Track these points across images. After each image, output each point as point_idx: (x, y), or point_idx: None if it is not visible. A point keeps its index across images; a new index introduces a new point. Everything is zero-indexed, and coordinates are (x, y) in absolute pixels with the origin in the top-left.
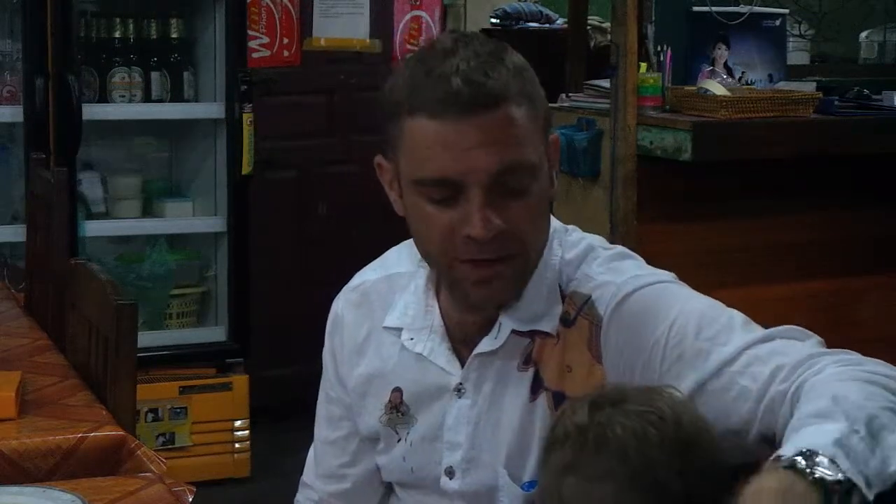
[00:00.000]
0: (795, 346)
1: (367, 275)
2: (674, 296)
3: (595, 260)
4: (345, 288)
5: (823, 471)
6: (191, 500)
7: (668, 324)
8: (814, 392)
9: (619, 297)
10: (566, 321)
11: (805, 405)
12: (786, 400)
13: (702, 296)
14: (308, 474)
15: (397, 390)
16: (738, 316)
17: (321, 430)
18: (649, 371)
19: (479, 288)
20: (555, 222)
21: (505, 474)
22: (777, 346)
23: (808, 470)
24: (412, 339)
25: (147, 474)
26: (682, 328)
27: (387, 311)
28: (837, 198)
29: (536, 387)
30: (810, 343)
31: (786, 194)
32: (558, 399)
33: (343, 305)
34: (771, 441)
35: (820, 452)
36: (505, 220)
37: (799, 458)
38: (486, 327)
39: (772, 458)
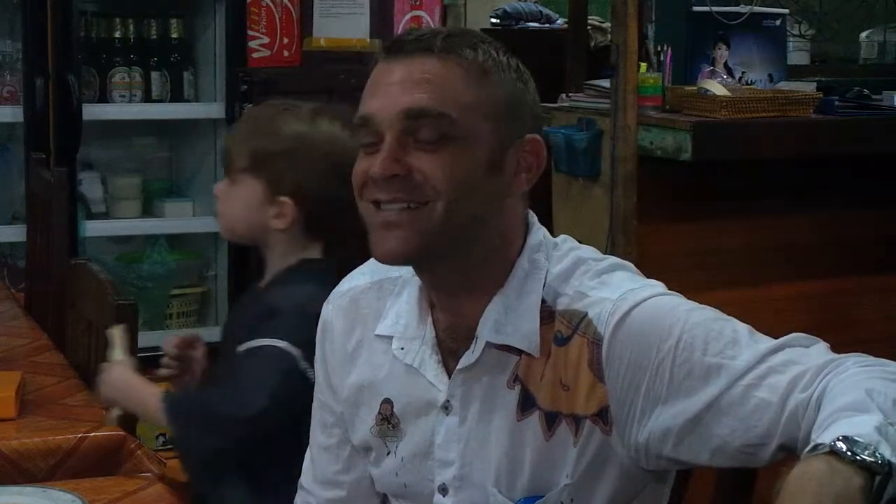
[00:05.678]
0: (807, 353)
1: (357, 279)
2: (673, 309)
3: (585, 274)
4: (333, 292)
5: (865, 455)
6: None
7: (674, 341)
8: (841, 387)
9: (617, 316)
10: (559, 339)
11: (836, 400)
12: (809, 405)
13: (700, 306)
14: (305, 478)
15: (387, 401)
16: (741, 327)
17: (315, 434)
18: (655, 390)
19: (382, 233)
20: (545, 235)
21: (495, 492)
22: (790, 354)
23: (849, 453)
24: (403, 348)
25: (147, 474)
26: (688, 345)
27: (378, 318)
28: (837, 198)
29: (526, 406)
30: (818, 348)
31: (786, 194)
32: (551, 419)
33: (332, 312)
34: (791, 450)
35: (861, 439)
36: (409, 167)
37: (840, 444)
38: (470, 340)
39: (811, 445)
